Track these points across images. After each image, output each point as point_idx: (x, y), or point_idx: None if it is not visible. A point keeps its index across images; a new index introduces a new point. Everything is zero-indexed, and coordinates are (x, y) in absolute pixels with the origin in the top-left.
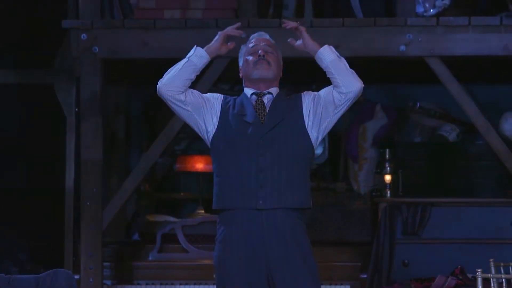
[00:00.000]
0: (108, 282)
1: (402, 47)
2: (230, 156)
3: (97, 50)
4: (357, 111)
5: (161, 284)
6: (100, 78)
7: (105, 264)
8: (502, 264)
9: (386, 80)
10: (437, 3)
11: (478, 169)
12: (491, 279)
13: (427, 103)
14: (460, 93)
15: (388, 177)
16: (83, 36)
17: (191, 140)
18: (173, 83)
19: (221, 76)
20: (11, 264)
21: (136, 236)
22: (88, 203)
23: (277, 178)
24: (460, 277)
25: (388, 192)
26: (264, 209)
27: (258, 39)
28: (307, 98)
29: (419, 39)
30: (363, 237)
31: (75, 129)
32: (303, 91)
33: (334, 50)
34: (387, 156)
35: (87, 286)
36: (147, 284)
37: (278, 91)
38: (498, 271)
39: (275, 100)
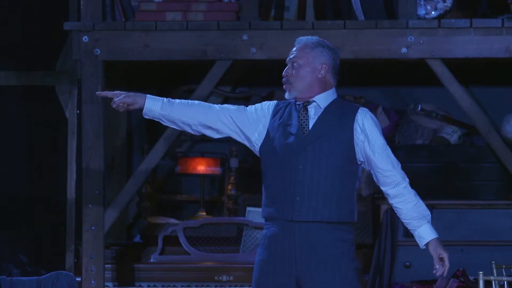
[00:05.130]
0: (110, 284)
1: (404, 49)
2: (273, 167)
3: (99, 52)
4: None
5: (162, 286)
6: (102, 80)
7: (107, 266)
8: (504, 266)
9: (388, 82)
10: (439, 6)
11: (480, 171)
12: (493, 281)
13: (428, 105)
14: (461, 95)
15: None
16: (85, 38)
17: (192, 142)
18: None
19: (222, 78)
20: (12, 266)
21: (137, 238)
22: (89, 205)
23: (315, 191)
24: (462, 279)
25: None
26: (298, 221)
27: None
28: (359, 124)
29: (421, 41)
30: (365, 239)
31: (76, 131)
32: (360, 106)
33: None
34: None
35: None
36: (148, 286)
37: (331, 97)
38: (500, 273)
39: (324, 111)
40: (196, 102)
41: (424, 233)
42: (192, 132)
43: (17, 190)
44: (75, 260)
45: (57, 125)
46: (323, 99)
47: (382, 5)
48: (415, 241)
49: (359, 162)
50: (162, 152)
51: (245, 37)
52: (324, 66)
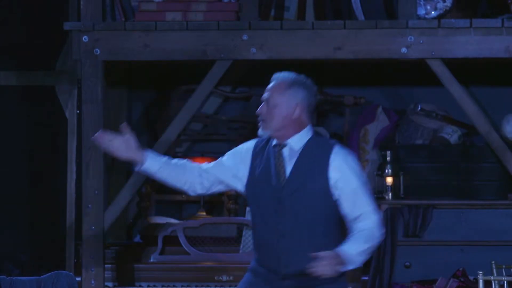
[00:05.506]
0: (110, 284)
1: (404, 49)
2: (256, 214)
3: (99, 52)
4: (359, 114)
5: (162, 286)
6: (102, 80)
7: (107, 266)
8: (504, 266)
9: (387, 82)
10: (439, 6)
11: (480, 171)
12: (493, 281)
13: (428, 105)
14: (461, 95)
15: (389, 179)
16: (84, 38)
17: (192, 142)
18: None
19: (222, 78)
20: (12, 266)
21: (137, 238)
22: (89, 205)
23: (297, 245)
24: (462, 279)
25: (390, 194)
26: (286, 274)
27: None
28: (334, 166)
29: (421, 41)
30: None
31: (76, 131)
32: (335, 145)
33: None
34: (388, 158)
35: None
36: (148, 286)
37: (305, 137)
38: (499, 273)
39: (300, 155)
40: (189, 166)
41: None
42: None
43: (17, 190)
44: (75, 260)
45: (57, 125)
46: (297, 141)
47: (382, 5)
48: (415, 241)
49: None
50: (162, 152)
51: (245, 37)
52: (298, 106)
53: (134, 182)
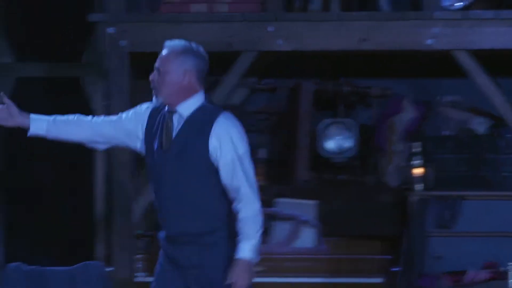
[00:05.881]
0: (140, 275)
1: (429, 41)
2: (150, 177)
3: (124, 44)
4: (385, 105)
5: None
6: (128, 71)
7: (137, 256)
8: None
9: (414, 74)
10: None
11: (508, 162)
12: None
13: (455, 97)
14: (488, 86)
15: (418, 171)
16: (110, 30)
17: None
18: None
19: (248, 70)
20: (44, 256)
21: None
22: (119, 196)
23: (178, 209)
24: (492, 270)
25: (418, 185)
26: (171, 236)
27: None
28: (216, 134)
29: (446, 33)
30: (394, 231)
31: None
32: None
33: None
34: (417, 149)
35: (119, 279)
36: None
37: (195, 104)
38: None
39: (186, 121)
40: (78, 119)
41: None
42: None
43: (48, 181)
44: (106, 251)
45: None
46: (186, 108)
47: None
48: (445, 232)
49: None
50: None
51: (270, 29)
52: (188, 73)
53: None
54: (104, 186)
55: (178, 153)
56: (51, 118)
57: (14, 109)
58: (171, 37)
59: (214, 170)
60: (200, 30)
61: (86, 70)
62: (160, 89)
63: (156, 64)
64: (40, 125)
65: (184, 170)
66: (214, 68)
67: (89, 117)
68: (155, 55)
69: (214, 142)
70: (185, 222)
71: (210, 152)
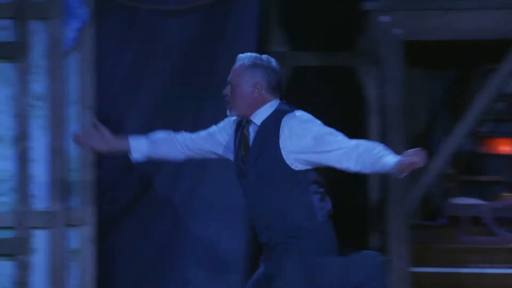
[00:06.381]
0: (413, 266)
1: None
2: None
3: (398, 32)
4: None
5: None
6: (401, 60)
7: (411, 247)
8: None
9: None
10: None
11: None
12: None
13: None
14: None
15: None
16: (384, 18)
17: (496, 122)
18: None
19: None
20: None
21: (441, 219)
22: (394, 185)
23: (264, 215)
24: None
25: None
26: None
27: None
28: (286, 133)
29: None
30: None
31: (376, 111)
32: (287, 113)
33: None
34: None
35: (394, 268)
36: (457, 267)
37: (268, 111)
38: None
39: (259, 128)
40: (171, 137)
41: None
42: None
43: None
44: (381, 241)
45: (358, 104)
46: (259, 116)
47: None
48: None
49: (303, 168)
50: (464, 133)
51: None
52: (258, 85)
53: (437, 163)
54: (378, 175)
55: (254, 161)
56: (147, 141)
57: (108, 134)
58: (444, 25)
59: (290, 171)
60: (473, 17)
61: (360, 59)
62: (232, 102)
63: (228, 78)
64: (141, 151)
65: (262, 176)
66: (488, 56)
67: (180, 135)
68: (427, 43)
69: (285, 140)
70: (270, 229)
71: (282, 151)
